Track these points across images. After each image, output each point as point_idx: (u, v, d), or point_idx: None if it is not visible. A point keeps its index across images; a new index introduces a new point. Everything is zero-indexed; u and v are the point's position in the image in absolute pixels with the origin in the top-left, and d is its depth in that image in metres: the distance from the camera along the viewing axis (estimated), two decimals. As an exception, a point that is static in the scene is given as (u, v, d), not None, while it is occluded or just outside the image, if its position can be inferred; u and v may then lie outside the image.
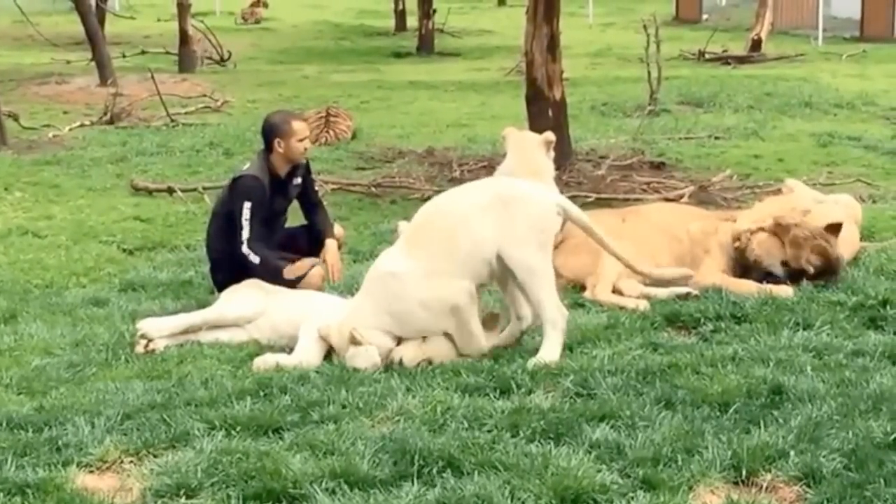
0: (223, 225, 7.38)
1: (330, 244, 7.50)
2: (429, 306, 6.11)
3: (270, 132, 7.39)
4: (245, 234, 7.15)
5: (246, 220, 7.16)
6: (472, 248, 6.15)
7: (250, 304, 6.81)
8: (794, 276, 7.37)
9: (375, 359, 6.12)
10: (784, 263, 7.40)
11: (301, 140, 7.38)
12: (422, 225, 6.34)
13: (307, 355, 6.24)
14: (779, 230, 7.42)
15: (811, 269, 7.34)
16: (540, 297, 6.17)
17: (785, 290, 7.17)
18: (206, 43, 23.04)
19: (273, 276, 7.07)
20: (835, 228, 7.42)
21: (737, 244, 7.53)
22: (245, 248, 7.14)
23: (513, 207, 6.21)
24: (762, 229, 7.47)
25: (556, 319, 6.16)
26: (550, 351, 6.11)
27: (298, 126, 7.42)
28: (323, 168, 11.91)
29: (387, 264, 6.29)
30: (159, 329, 6.60)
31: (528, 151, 9.51)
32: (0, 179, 12.18)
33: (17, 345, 6.73)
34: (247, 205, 7.17)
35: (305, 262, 7.22)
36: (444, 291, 6.09)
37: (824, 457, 4.86)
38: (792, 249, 7.38)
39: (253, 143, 14.34)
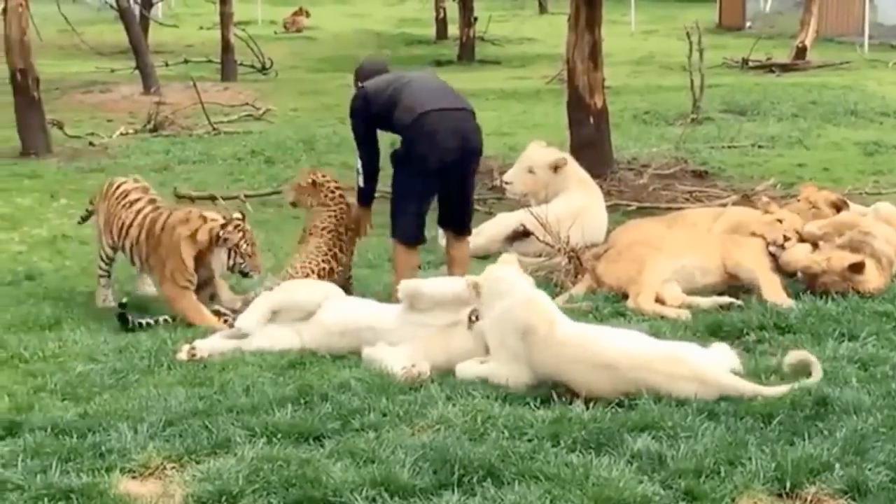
0: None
1: None
2: None
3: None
4: None
5: None
6: None
7: (321, 291, 6.92)
8: None
9: None
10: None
11: None
12: None
13: None
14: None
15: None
16: None
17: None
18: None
19: None
20: (858, 267, 7.35)
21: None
22: None
23: None
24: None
25: None
26: None
27: None
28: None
29: None
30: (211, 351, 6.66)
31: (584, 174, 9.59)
32: (46, 187, 12.33)
33: (62, 351, 6.79)
34: None
35: None
36: None
37: (870, 470, 4.80)
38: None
39: (294, 150, 14.43)
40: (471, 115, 7.65)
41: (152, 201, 7.96)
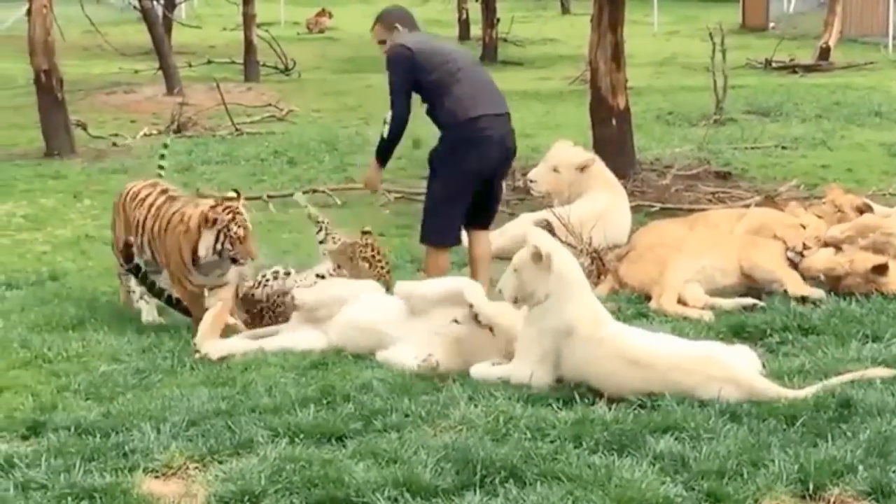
0: None
1: None
2: None
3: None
4: None
5: None
6: None
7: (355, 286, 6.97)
8: None
9: None
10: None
11: None
12: None
13: None
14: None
15: None
16: None
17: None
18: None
19: None
20: (881, 269, 7.33)
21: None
22: None
23: None
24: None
25: None
26: None
27: None
28: (386, 177, 11.89)
29: None
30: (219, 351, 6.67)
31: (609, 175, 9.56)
32: (69, 187, 12.40)
33: (86, 351, 6.82)
34: None
35: None
36: None
37: (894, 472, 4.78)
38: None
39: (317, 151, 14.46)
40: (509, 118, 7.64)
41: (164, 192, 7.64)
